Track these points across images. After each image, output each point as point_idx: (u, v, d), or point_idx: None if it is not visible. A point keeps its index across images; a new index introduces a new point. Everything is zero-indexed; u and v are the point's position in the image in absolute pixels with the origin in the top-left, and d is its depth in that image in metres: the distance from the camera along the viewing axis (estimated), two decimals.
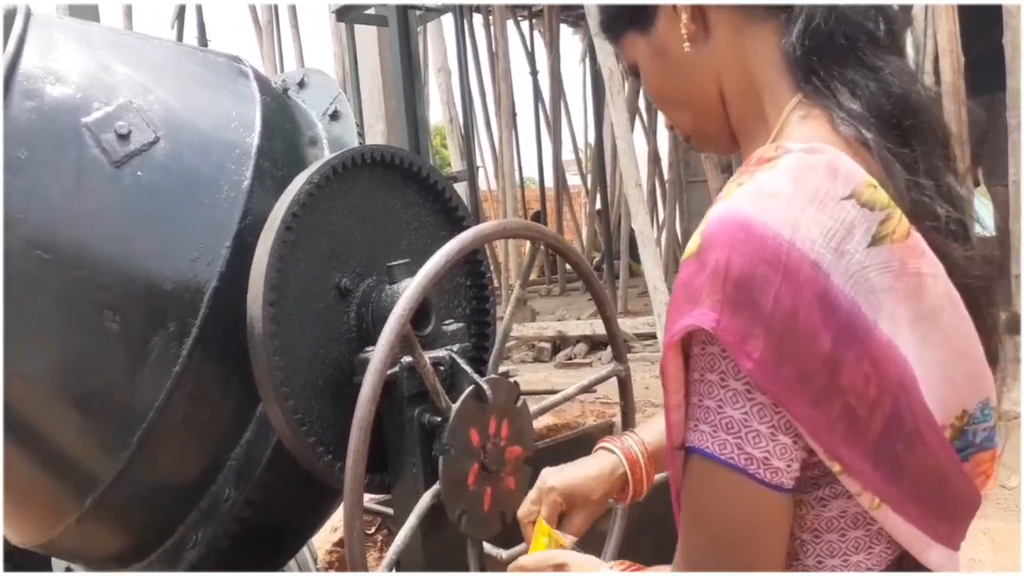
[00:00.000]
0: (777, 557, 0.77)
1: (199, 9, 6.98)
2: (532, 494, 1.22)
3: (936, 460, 0.77)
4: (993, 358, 0.81)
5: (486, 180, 8.87)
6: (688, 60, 0.86)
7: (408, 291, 1.27)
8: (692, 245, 0.74)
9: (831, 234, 0.71)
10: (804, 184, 0.72)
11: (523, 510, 1.22)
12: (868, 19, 0.80)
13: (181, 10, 7.16)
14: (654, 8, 0.87)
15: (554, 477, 1.20)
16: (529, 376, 4.60)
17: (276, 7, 7.39)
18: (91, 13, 6.06)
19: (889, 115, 0.78)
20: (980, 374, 0.79)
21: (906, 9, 0.87)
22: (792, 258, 0.69)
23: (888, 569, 0.80)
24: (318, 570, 2.45)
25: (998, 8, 3.91)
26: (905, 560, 0.81)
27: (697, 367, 0.75)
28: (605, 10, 0.94)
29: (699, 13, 0.85)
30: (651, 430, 1.27)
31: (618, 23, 0.93)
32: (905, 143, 0.78)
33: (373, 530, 2.19)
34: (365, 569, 1.25)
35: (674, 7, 0.86)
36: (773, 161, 0.75)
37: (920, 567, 0.80)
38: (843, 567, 0.80)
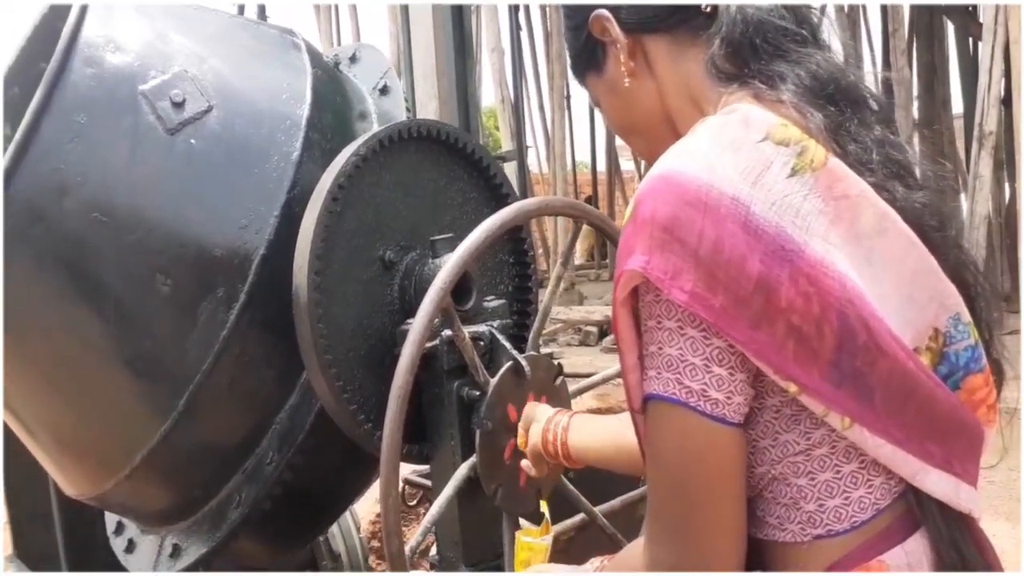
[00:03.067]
0: (728, 492, 0.79)
1: None
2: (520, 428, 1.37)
3: (906, 374, 0.79)
4: (958, 277, 0.84)
5: (537, 163, 8.85)
6: (632, 92, 0.95)
7: (448, 264, 1.28)
8: (629, 209, 0.81)
9: (748, 171, 0.78)
10: (720, 137, 0.81)
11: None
12: (785, 21, 0.88)
13: None
14: (603, 51, 0.97)
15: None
16: (574, 359, 4.60)
17: None
18: None
19: (815, 89, 0.85)
20: (941, 289, 0.81)
21: (817, 8, 0.93)
22: (712, 196, 0.76)
23: (895, 502, 0.82)
24: (360, 538, 2.49)
25: None
26: (911, 493, 0.82)
27: (644, 316, 0.81)
28: (570, 55, 1.04)
29: (638, 50, 0.94)
30: (586, 431, 1.30)
31: (578, 67, 1.02)
32: (837, 107, 0.84)
33: (415, 502, 2.21)
34: (399, 537, 1.27)
35: (616, 47, 0.94)
36: (694, 130, 0.84)
37: (927, 498, 0.81)
38: (845, 506, 0.81)
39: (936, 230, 0.83)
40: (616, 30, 0.94)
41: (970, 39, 6.33)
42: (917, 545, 0.82)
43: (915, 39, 6.53)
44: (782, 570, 0.84)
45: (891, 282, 0.79)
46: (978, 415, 0.84)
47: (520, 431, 1.37)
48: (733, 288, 0.75)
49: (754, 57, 0.87)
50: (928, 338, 0.81)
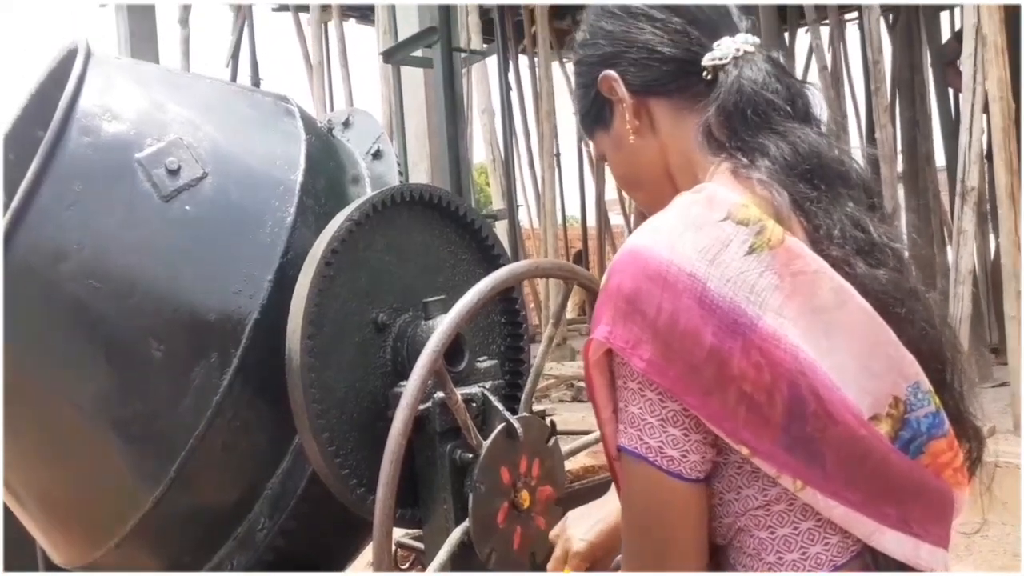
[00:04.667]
0: (690, 541, 0.86)
1: (252, 49, 7.20)
2: (557, 551, 1.26)
3: (857, 440, 0.82)
4: (926, 349, 0.87)
5: (528, 218, 8.92)
6: (637, 148, 1.01)
7: (441, 327, 1.29)
8: (604, 279, 0.87)
9: (706, 249, 0.83)
10: (686, 215, 0.87)
11: (551, 566, 1.28)
12: (777, 96, 0.93)
13: (236, 49, 7.39)
14: (611, 109, 1.02)
15: (578, 534, 1.23)
16: (567, 416, 4.57)
17: (328, 48, 7.58)
18: (151, 48, 6.27)
19: (794, 164, 0.89)
20: (899, 359, 0.85)
21: (809, 85, 0.98)
22: (671, 272, 0.82)
23: (852, 560, 0.85)
24: None
25: None
26: (868, 553, 0.85)
27: (616, 377, 0.87)
28: (579, 111, 1.09)
29: (643, 110, 0.99)
30: None
31: (587, 122, 1.08)
32: (810, 184, 0.89)
33: (407, 565, 2.18)
34: None
35: (622, 106, 0.99)
36: (667, 208, 0.90)
37: (884, 558, 0.84)
38: (802, 561, 0.85)
39: (897, 305, 0.87)
40: (622, 90, 0.99)
41: (950, 92, 6.47)
42: None
43: (897, 95, 6.67)
44: None
45: (849, 352, 0.83)
46: (944, 477, 0.87)
47: (559, 553, 1.26)
48: (687, 358, 0.81)
49: (744, 127, 0.92)
50: (888, 405, 0.85)
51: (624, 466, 0.87)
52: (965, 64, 4.09)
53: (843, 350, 0.83)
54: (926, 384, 0.86)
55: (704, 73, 0.95)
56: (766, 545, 0.86)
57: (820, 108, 0.97)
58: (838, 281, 0.84)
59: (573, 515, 1.29)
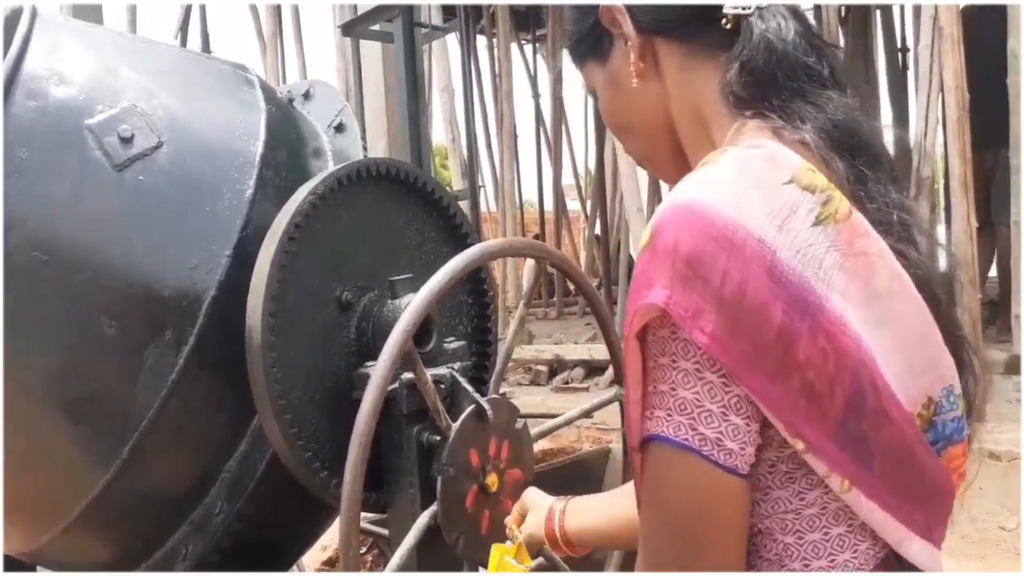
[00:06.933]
0: (732, 543, 0.76)
1: (203, 19, 7.00)
2: (513, 516, 1.29)
3: (905, 441, 0.77)
4: (956, 356, 0.82)
5: (485, 201, 8.87)
6: (637, 92, 0.90)
7: (411, 306, 1.25)
8: (645, 237, 0.76)
9: (774, 213, 0.73)
10: (745, 171, 0.76)
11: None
12: (809, 58, 0.84)
13: (185, 19, 7.18)
14: (610, 41, 0.92)
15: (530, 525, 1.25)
16: (525, 399, 4.56)
17: (281, 20, 7.41)
18: (95, 14, 6.06)
19: (835, 137, 0.81)
20: (939, 358, 0.79)
21: (840, 49, 0.91)
22: (738, 235, 0.71)
23: (876, 569, 0.79)
24: None
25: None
26: (891, 560, 0.80)
27: (651, 354, 0.76)
28: (569, 36, 0.99)
29: (648, 51, 0.89)
30: (585, 514, 1.24)
31: (578, 50, 0.97)
32: (850, 163, 0.81)
33: (364, 550, 2.15)
34: None
35: (625, 43, 0.89)
36: (714, 159, 0.79)
37: (906, 566, 0.79)
38: (830, 568, 0.79)
39: (942, 300, 0.81)
40: (628, 26, 0.89)
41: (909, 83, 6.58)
42: None
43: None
44: None
45: (896, 346, 0.76)
46: (952, 481, 0.84)
47: (514, 516, 1.28)
48: (754, 335, 0.71)
49: (774, 91, 0.83)
50: (921, 405, 0.79)
51: (660, 459, 0.75)
52: (921, 55, 4.15)
53: (891, 342, 0.76)
54: (958, 387, 0.81)
55: (723, 21, 0.85)
56: (792, 551, 0.79)
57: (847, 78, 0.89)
58: (896, 268, 0.77)
59: (533, 496, 1.28)
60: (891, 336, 0.76)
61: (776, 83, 0.83)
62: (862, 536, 0.79)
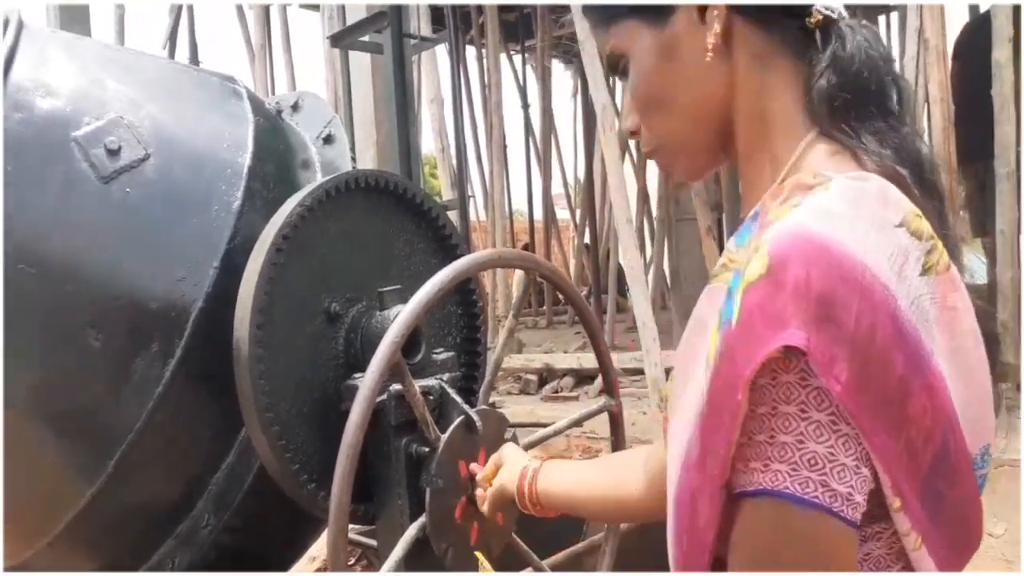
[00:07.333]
0: None
1: (191, 29, 6.98)
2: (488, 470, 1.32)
3: (970, 500, 0.75)
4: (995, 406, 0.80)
5: (475, 211, 8.87)
6: (699, 70, 0.81)
7: (400, 318, 1.25)
8: (758, 267, 0.68)
9: (893, 258, 0.68)
10: (860, 208, 0.69)
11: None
12: (888, 77, 0.79)
13: (173, 30, 7.16)
14: (671, 7, 0.81)
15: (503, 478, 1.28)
16: (515, 408, 4.55)
17: (269, 31, 7.41)
18: (82, 15, 6.04)
19: (912, 170, 0.77)
20: (987, 417, 0.77)
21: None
22: (867, 278, 0.66)
23: None
24: None
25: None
26: None
27: (766, 400, 0.68)
28: None
29: (728, 29, 0.80)
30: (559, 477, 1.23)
31: (618, 7, 0.85)
32: (926, 197, 0.77)
33: (353, 561, 2.14)
34: None
35: (702, 15, 0.80)
36: (821, 186, 0.72)
37: None
38: None
39: (994, 356, 0.78)
40: None
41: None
42: None
43: None
44: None
45: (967, 403, 0.73)
46: None
47: (489, 469, 1.31)
48: (880, 387, 0.66)
49: (857, 110, 0.77)
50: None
51: (770, 514, 0.68)
52: (907, 67, 4.18)
53: (963, 399, 0.72)
54: (993, 447, 0.78)
55: (811, 19, 0.77)
56: None
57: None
58: (975, 325, 0.74)
59: (509, 451, 1.30)
60: (964, 393, 0.73)
61: (860, 102, 0.77)
62: None
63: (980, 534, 0.80)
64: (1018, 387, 3.78)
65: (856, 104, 0.77)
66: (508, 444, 1.33)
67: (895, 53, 4.30)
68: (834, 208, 0.69)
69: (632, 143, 7.81)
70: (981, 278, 4.43)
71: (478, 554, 1.36)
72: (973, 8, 6.50)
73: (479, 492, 1.32)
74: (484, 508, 1.30)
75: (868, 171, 0.75)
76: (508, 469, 1.26)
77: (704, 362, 0.73)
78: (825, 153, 0.78)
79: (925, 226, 0.72)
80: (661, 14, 0.82)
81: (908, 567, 0.76)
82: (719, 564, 0.76)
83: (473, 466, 1.35)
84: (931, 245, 0.71)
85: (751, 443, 0.69)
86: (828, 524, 0.67)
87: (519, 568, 1.55)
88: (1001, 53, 3.89)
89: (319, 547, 1.81)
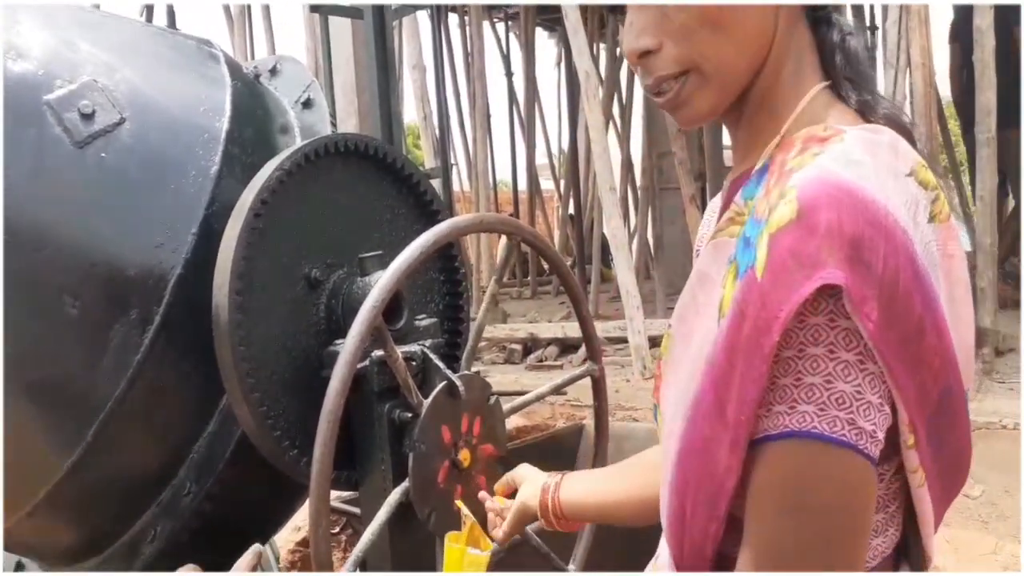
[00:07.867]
0: (868, 535, 0.75)
1: None
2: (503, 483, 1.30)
3: (964, 438, 0.78)
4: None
5: (459, 180, 8.83)
6: (771, 8, 0.81)
7: (381, 283, 1.24)
8: (787, 212, 0.69)
9: (908, 204, 0.72)
10: (876, 157, 0.73)
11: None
12: (873, 71, 0.86)
13: None
14: None
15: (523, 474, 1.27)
16: (500, 378, 4.57)
17: None
18: None
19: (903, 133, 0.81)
20: (970, 364, 0.81)
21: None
22: (890, 222, 0.69)
23: (884, 561, 0.80)
24: (280, 570, 2.40)
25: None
26: (902, 546, 0.82)
27: (793, 343, 0.69)
28: None
29: None
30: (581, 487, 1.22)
31: None
32: None
33: (338, 529, 2.14)
34: (330, 568, 1.21)
35: None
36: (836, 136, 0.75)
37: (912, 554, 0.81)
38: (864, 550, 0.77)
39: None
40: None
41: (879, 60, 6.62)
42: None
43: None
44: None
45: (959, 349, 0.76)
46: None
47: (502, 485, 1.30)
48: (903, 326, 0.69)
49: (858, 75, 0.83)
50: None
51: (799, 455, 0.69)
52: (889, 31, 4.18)
53: (956, 345, 0.76)
54: (971, 392, 0.83)
55: (820, 9, 0.84)
56: None
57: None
58: (967, 276, 0.78)
59: (526, 470, 1.27)
60: (954, 338, 0.75)
61: (861, 72, 0.83)
62: (891, 522, 0.80)
63: (965, 478, 0.84)
64: (997, 351, 3.83)
65: (858, 73, 0.83)
66: (523, 464, 1.29)
67: (878, 20, 4.27)
68: (855, 156, 0.72)
69: (616, 111, 7.78)
70: (966, 246, 4.47)
71: (459, 503, 1.33)
72: None
73: (491, 513, 1.29)
74: (504, 528, 1.26)
75: (876, 124, 0.79)
76: (528, 486, 1.24)
77: (714, 312, 0.75)
78: (826, 104, 0.82)
79: (930, 176, 0.76)
80: None
81: (901, 507, 0.80)
82: (720, 564, 0.78)
83: (482, 494, 1.33)
84: (936, 195, 0.76)
85: (774, 387, 0.70)
86: (854, 461, 0.69)
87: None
88: (983, 20, 3.89)
89: (302, 517, 1.81)
